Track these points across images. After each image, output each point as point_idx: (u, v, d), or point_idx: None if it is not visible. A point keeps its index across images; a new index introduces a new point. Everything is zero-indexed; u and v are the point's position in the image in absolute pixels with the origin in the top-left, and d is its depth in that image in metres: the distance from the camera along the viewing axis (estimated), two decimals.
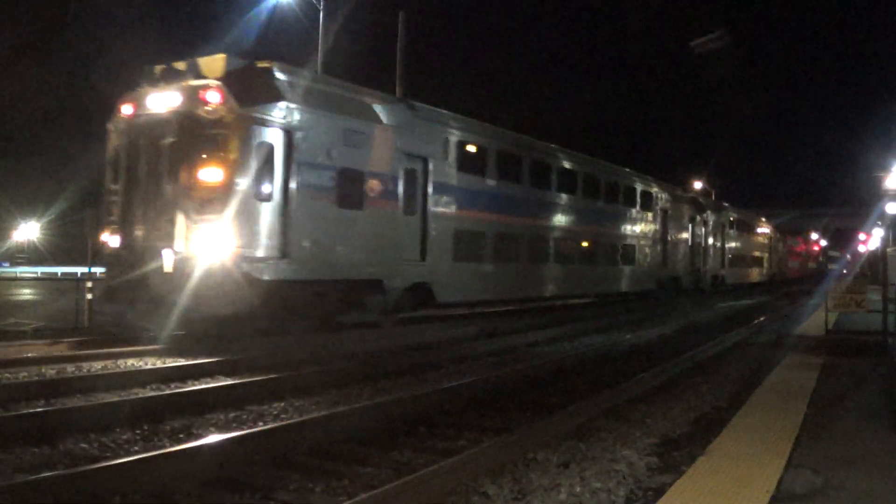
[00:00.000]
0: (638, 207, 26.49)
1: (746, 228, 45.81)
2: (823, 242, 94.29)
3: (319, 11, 24.73)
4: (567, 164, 21.76)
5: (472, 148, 17.48)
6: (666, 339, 16.54)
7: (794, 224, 73.74)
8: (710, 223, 35.53)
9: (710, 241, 35.42)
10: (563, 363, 11.79)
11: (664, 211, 28.78)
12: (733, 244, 41.19)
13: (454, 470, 5.53)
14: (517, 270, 19.13)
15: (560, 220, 21.26)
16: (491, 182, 18.00)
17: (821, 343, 13.02)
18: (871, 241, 53.02)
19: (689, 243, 32.01)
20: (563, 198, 21.35)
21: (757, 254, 48.93)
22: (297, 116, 12.44)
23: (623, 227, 25.39)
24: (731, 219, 41.47)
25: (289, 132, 12.30)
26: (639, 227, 26.62)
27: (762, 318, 22.11)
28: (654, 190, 28.22)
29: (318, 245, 12.85)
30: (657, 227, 28.15)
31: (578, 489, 5.46)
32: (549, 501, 5.25)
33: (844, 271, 51.90)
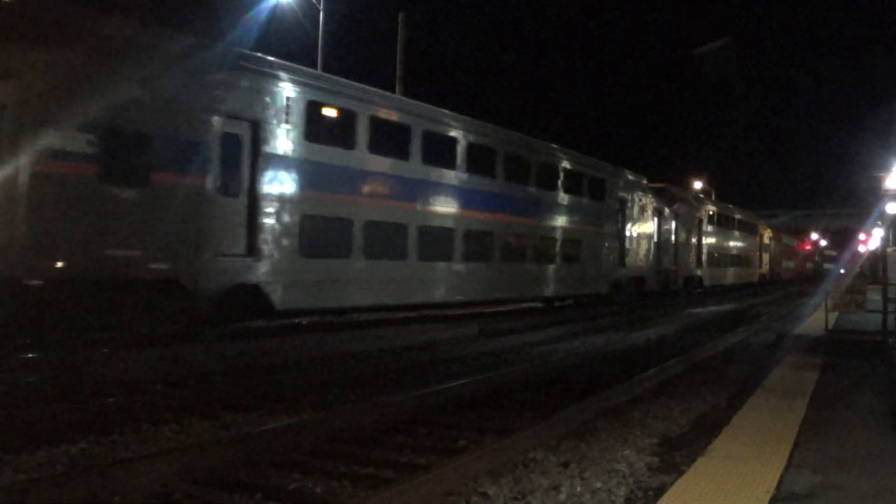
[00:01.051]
0: (585, 196, 22.75)
1: (730, 224, 42.05)
2: (823, 242, 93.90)
3: (319, 11, 24.75)
4: (479, 140, 17.86)
5: (331, 112, 13.87)
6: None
7: (793, 224, 73.66)
8: (683, 217, 32.03)
9: (683, 237, 31.95)
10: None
11: (622, 202, 25.15)
12: (713, 241, 37.48)
13: (454, 470, 5.52)
14: (399, 269, 15.33)
15: (467, 207, 17.25)
16: (360, 156, 14.30)
17: (821, 343, 13.01)
18: (871, 241, 52.91)
19: (656, 239, 28.30)
20: (473, 181, 17.51)
21: (744, 253, 45.03)
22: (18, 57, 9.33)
23: (563, 219, 21.44)
24: (711, 213, 37.89)
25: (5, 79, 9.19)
26: (586, 220, 22.72)
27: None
28: (608, 177, 24.37)
29: (68, 234, 9.86)
30: (612, 219, 24.47)
31: (579, 489, 5.46)
32: (549, 501, 5.26)
33: (842, 271, 49.61)
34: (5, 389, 8.37)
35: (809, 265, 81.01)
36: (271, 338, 13.10)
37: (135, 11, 11.76)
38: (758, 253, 48.63)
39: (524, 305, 22.15)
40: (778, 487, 5.09)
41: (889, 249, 20.44)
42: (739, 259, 43.76)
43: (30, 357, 10.68)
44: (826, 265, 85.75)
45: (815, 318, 17.14)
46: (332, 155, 13.74)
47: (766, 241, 52.08)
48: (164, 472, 5.50)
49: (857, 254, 52.26)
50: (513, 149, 19.31)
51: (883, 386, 9.31)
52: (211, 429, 7.41)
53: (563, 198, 21.67)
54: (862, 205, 50.88)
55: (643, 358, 12.79)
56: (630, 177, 26.34)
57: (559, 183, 21.43)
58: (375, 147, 14.65)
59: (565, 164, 21.90)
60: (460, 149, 17.16)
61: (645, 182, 27.80)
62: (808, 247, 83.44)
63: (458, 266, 17.04)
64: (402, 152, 15.50)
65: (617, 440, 6.92)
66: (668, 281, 29.93)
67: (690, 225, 33.18)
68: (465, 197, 17.27)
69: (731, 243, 41.89)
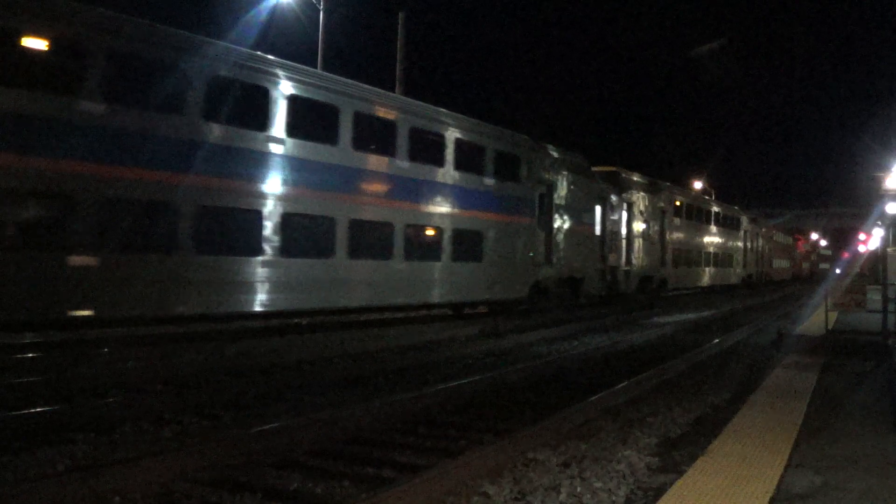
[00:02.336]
0: (492, 177, 18.50)
1: (705, 218, 36.73)
2: (823, 243, 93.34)
3: (319, 11, 24.75)
4: (333, 102, 14.28)
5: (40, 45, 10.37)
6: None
7: (793, 223, 73.40)
8: (640, 207, 27.25)
9: (640, 230, 27.18)
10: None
11: (549, 185, 20.73)
12: (681, 236, 32.46)
13: (454, 470, 5.52)
14: (179, 266, 11.71)
15: (317, 187, 13.83)
16: (98, 111, 10.69)
17: (821, 343, 13.01)
18: (871, 241, 52.79)
19: (598, 232, 23.81)
20: (327, 153, 14.08)
21: (724, 250, 39.73)
22: None
23: (451, 204, 17.13)
24: (678, 203, 32.44)
25: None
26: (489, 205, 18.44)
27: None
28: (524, 153, 19.81)
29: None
30: (530, 206, 19.96)
31: (579, 489, 5.47)
32: (549, 501, 5.26)
33: (837, 271, 48.00)
34: (5, 389, 8.38)
35: (806, 266, 77.59)
36: (271, 338, 13.11)
37: (135, 11, 11.76)
38: (741, 251, 43.29)
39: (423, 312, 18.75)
40: (778, 487, 5.09)
41: (889, 249, 20.45)
42: (717, 258, 38.53)
43: (30, 357, 10.72)
44: (822, 265, 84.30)
45: (816, 318, 17.14)
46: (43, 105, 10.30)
47: (754, 238, 46.81)
48: (164, 472, 5.51)
49: (857, 254, 51.73)
50: (367, 108, 15.05)
51: (883, 386, 9.31)
52: (211, 429, 7.41)
53: (460, 178, 17.39)
54: (862, 205, 50.51)
55: (643, 358, 12.81)
56: (557, 154, 21.48)
57: (446, 157, 17.05)
58: (136, 100, 11.44)
59: (456, 134, 17.38)
60: (327, 116, 14.22)
61: (584, 163, 23.13)
62: (805, 246, 79.26)
63: (297, 264, 13.55)
64: (205, 112, 12.24)
65: (617, 440, 6.92)
66: (615, 283, 25.20)
67: (651, 217, 28.38)
68: (317, 177, 13.86)
69: (707, 239, 36.67)
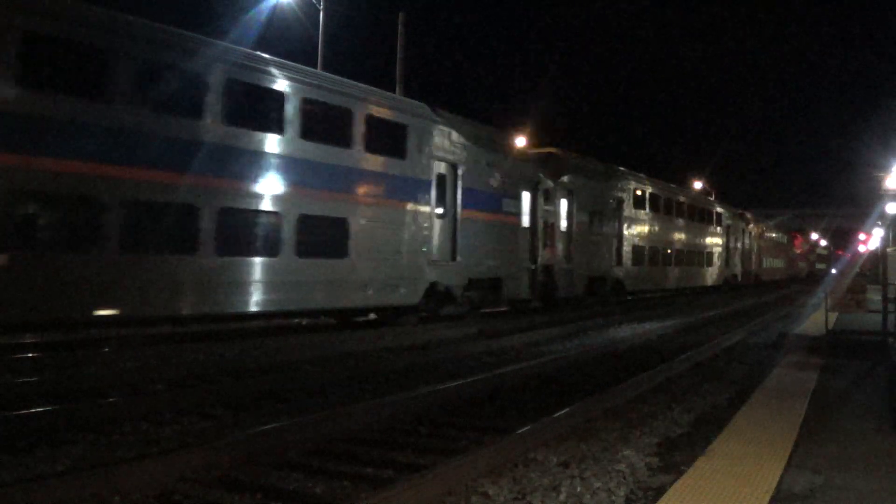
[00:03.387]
0: (363, 150, 14.82)
1: (676, 210, 32.39)
2: (823, 243, 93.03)
3: (319, 11, 24.75)
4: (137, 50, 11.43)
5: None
6: None
7: (793, 223, 73.12)
8: (586, 195, 23.36)
9: (585, 222, 23.41)
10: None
11: (453, 165, 17.03)
12: (643, 231, 28.47)
13: (454, 470, 5.52)
14: None
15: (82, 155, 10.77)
16: None
17: (821, 343, 13.00)
18: (870, 241, 52.67)
19: (527, 224, 19.98)
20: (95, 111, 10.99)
21: (699, 248, 35.50)
22: None
23: (307, 184, 13.82)
24: (639, 193, 28.37)
25: None
26: (366, 187, 14.96)
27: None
28: (417, 123, 16.09)
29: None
30: (424, 191, 16.25)
31: (579, 489, 5.46)
32: (549, 501, 5.25)
33: (833, 271, 46.34)
34: (5, 389, 8.38)
35: (803, 265, 74.33)
36: (271, 338, 13.11)
37: (136, 11, 11.74)
38: (722, 249, 39.18)
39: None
40: (778, 487, 5.09)
41: (889, 249, 20.45)
42: (692, 256, 34.29)
43: (30, 357, 10.72)
44: (819, 265, 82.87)
45: (816, 318, 17.13)
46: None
47: (739, 234, 42.43)
48: (164, 472, 5.50)
49: (857, 254, 51.37)
50: (152, 51, 11.71)
51: (883, 386, 9.31)
52: (211, 429, 7.41)
53: (298, 147, 13.67)
54: (862, 205, 50.14)
55: (644, 357, 12.81)
56: (467, 127, 17.75)
57: (286, 120, 13.52)
58: None
59: (302, 92, 13.81)
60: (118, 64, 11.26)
61: (508, 140, 19.77)
62: (802, 244, 75.75)
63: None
64: None
65: (617, 440, 6.92)
66: (552, 285, 21.18)
67: (602, 207, 24.64)
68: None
69: (677, 235, 32.43)
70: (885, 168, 26.88)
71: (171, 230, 11.91)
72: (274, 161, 13.35)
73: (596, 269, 24.24)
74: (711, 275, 37.41)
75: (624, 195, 26.79)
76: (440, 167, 16.83)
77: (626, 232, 26.80)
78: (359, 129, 14.85)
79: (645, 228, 28.93)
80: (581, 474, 5.79)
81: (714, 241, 38.05)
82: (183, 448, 6.06)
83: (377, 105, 15.47)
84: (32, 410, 7.47)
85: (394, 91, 23.12)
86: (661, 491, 5.19)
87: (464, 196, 17.34)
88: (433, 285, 16.56)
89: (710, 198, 41.27)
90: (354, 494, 5.29)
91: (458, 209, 17.16)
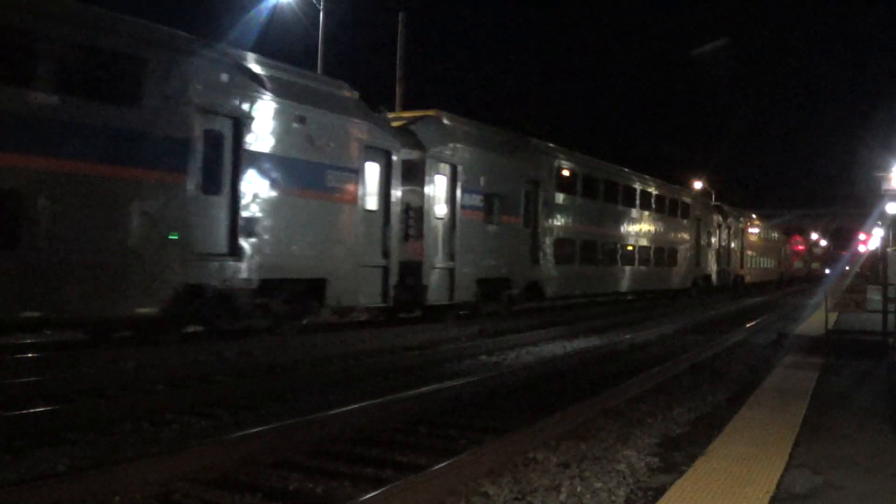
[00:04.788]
0: (53, 92, 9.69)
1: (623, 197, 26.53)
2: (823, 243, 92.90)
3: (319, 11, 24.75)
4: None
5: None
6: None
7: (793, 223, 72.83)
8: (476, 173, 17.59)
9: (478, 206, 17.74)
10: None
11: (235, 119, 12.05)
12: (572, 221, 22.57)
13: (454, 470, 5.52)
14: None
15: None
16: None
17: (821, 343, 13.01)
18: (870, 240, 52.64)
19: (376, 207, 14.97)
20: None
21: (658, 243, 29.46)
22: None
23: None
24: (566, 173, 22.41)
25: None
26: (53, 146, 9.72)
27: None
28: (159, 54, 10.87)
29: None
30: (183, 155, 11.24)
31: (579, 489, 5.46)
32: (549, 501, 5.25)
33: (828, 271, 44.92)
34: (5, 389, 8.37)
35: (799, 266, 69.98)
36: (271, 338, 13.09)
37: (136, 11, 11.63)
38: (690, 245, 33.31)
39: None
40: (778, 487, 5.09)
41: (889, 249, 20.46)
42: (646, 253, 28.49)
43: (30, 357, 10.72)
44: (814, 265, 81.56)
45: (816, 318, 17.14)
46: None
47: (714, 229, 36.96)
48: (164, 472, 5.50)
49: (856, 254, 51.26)
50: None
51: (883, 386, 9.32)
52: (211, 429, 7.41)
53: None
54: (862, 204, 49.79)
55: (643, 357, 12.81)
56: (255, 66, 12.62)
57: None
58: None
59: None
60: None
61: (335, 90, 14.35)
62: (800, 243, 71.39)
63: None
64: None
65: (617, 440, 6.92)
66: (421, 288, 16.06)
67: (507, 189, 18.93)
68: None
69: (625, 228, 26.83)
70: (885, 168, 26.87)
71: None
72: None
73: (494, 269, 18.48)
74: (676, 276, 31.76)
75: (542, 174, 20.76)
76: (209, 122, 11.73)
77: (546, 222, 20.95)
78: (45, 58, 9.73)
79: (576, 219, 22.88)
80: (581, 474, 5.79)
81: (679, 237, 32.23)
82: (183, 448, 6.05)
83: (81, 25, 10.18)
84: (32, 410, 7.48)
85: (394, 91, 23.02)
86: (661, 491, 5.19)
87: (250, 164, 12.28)
88: (196, 288, 11.52)
89: (676, 186, 34.04)
90: (354, 494, 5.29)
91: (241, 181, 12.16)
